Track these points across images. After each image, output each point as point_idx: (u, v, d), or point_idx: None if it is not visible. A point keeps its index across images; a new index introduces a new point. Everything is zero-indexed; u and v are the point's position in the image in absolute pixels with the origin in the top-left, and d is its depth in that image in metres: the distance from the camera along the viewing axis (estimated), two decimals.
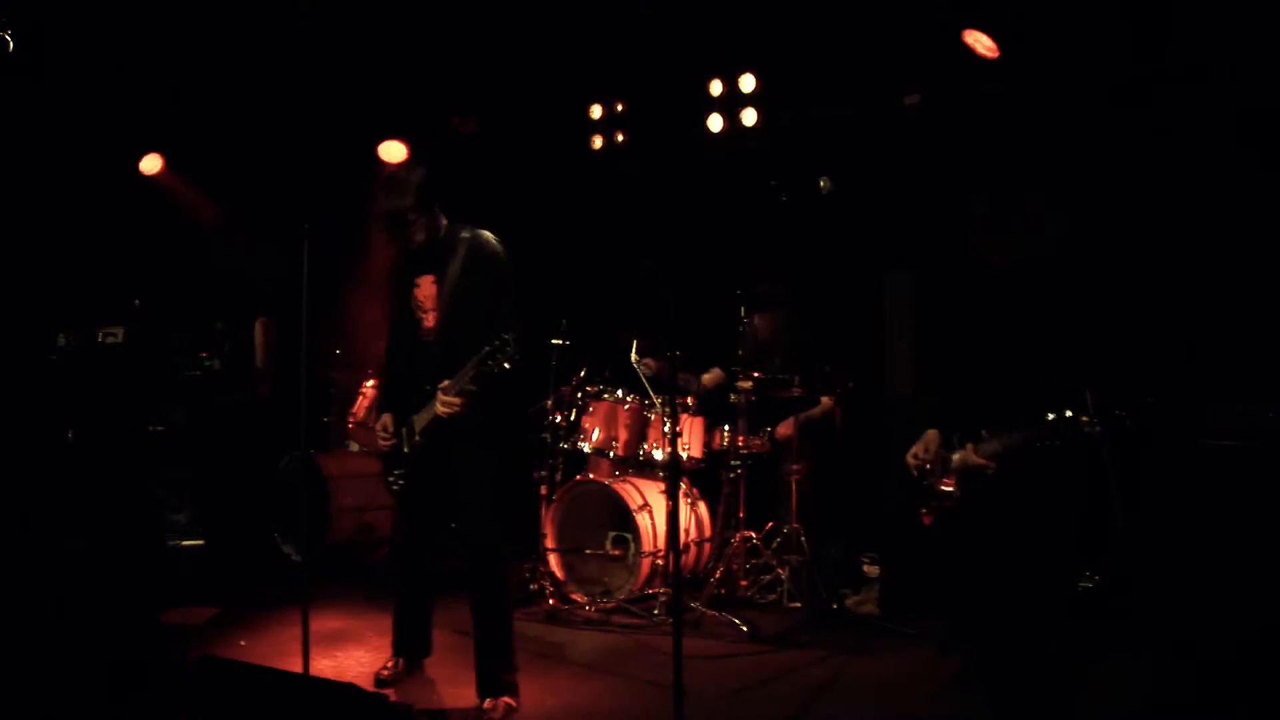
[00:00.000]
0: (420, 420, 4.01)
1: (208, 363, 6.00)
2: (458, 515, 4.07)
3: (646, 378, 5.88)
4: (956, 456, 3.60)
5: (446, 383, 3.82)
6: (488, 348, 3.65)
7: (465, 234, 4.03)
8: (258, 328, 5.81)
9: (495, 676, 3.93)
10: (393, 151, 6.95)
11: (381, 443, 4.17)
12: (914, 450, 3.68)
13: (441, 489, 4.07)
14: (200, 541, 6.35)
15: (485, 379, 3.74)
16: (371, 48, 6.53)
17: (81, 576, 5.76)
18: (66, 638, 4.75)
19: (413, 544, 4.22)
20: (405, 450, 4.07)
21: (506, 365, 3.62)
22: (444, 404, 3.82)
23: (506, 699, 3.89)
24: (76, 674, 4.25)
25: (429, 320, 4.06)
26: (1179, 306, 5.16)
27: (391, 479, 4.14)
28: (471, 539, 4.00)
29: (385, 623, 4.34)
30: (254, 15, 6.01)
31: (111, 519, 6.39)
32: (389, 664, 4.27)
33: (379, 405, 4.50)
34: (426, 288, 4.06)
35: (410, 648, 4.29)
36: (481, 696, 3.90)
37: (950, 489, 3.55)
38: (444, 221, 4.09)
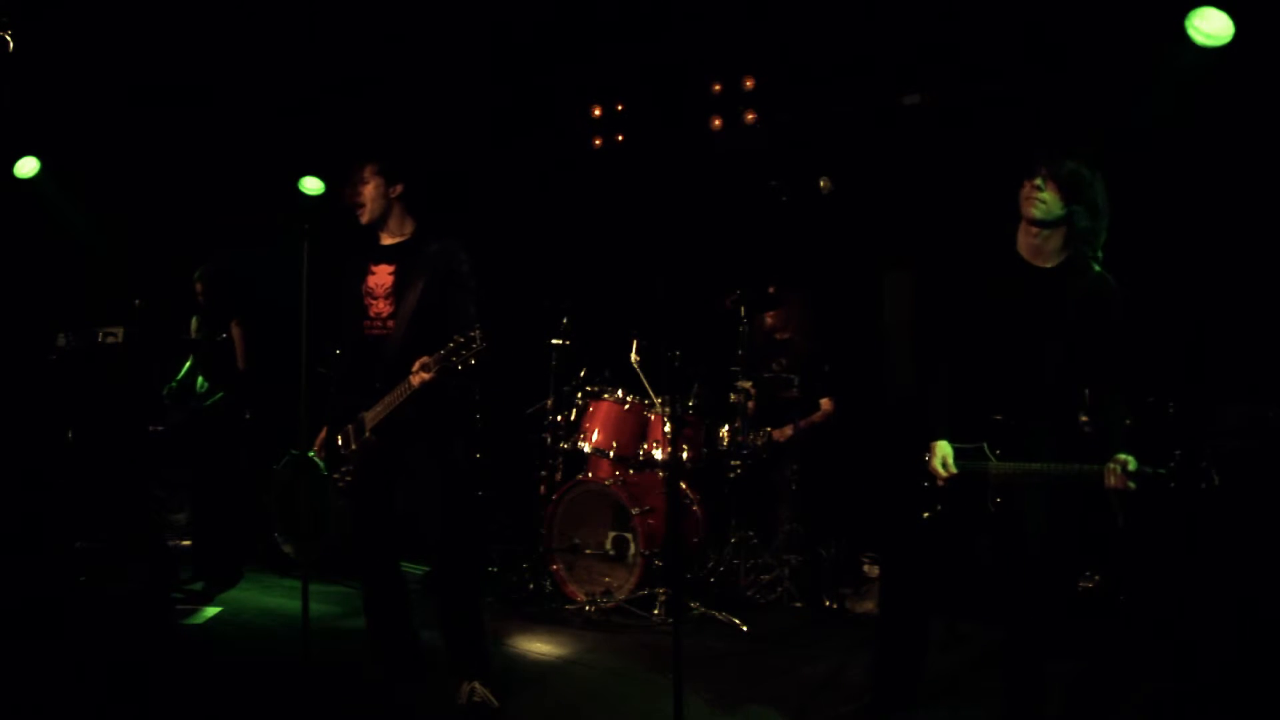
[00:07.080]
0: (372, 417, 3.87)
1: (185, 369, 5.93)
2: (417, 518, 3.96)
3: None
4: (996, 467, 3.44)
5: (426, 359, 3.65)
6: (460, 338, 3.58)
7: (435, 245, 3.97)
8: (234, 329, 5.70)
9: (469, 679, 3.88)
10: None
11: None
12: (938, 462, 3.54)
13: (393, 489, 3.97)
14: (189, 542, 6.33)
15: (448, 372, 3.62)
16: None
17: (90, 577, 5.77)
18: (71, 637, 4.76)
19: (370, 545, 4.01)
20: (353, 447, 3.91)
21: (472, 361, 3.57)
22: (423, 367, 3.63)
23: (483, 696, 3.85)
24: (80, 673, 4.26)
25: (379, 308, 3.97)
26: (1181, 304, 5.15)
27: (338, 476, 3.97)
28: (431, 542, 3.93)
29: None
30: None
31: (114, 520, 6.38)
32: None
33: (329, 416, 4.09)
34: (382, 276, 3.97)
35: (391, 655, 4.06)
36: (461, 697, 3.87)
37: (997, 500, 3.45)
38: (411, 222, 4.05)
